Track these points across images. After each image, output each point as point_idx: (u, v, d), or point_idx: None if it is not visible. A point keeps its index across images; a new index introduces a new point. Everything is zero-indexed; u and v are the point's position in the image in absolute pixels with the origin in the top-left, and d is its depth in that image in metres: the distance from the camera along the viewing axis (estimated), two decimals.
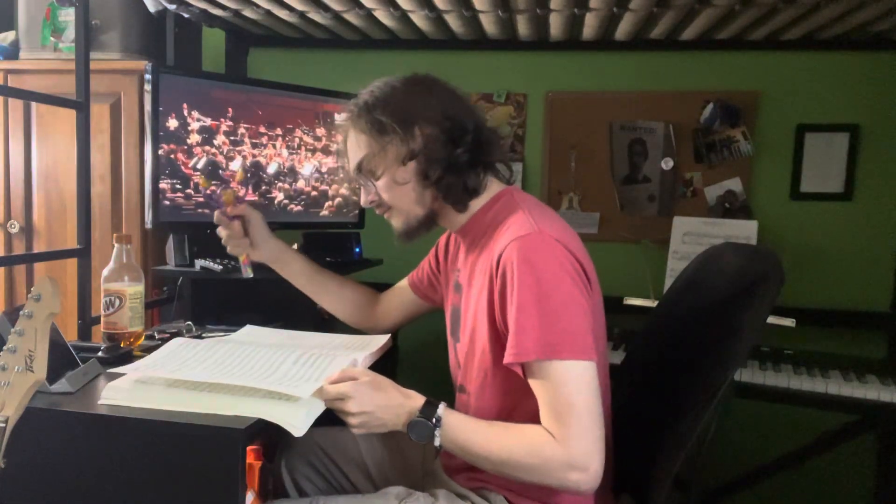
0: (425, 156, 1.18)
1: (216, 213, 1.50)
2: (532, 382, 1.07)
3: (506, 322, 1.09)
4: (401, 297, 1.55)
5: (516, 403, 1.13)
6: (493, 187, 1.25)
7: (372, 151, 1.21)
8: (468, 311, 1.22)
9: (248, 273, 1.53)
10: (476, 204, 1.24)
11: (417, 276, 1.52)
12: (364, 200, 1.28)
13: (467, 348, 1.22)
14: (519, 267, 1.07)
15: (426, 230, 1.27)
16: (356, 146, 1.24)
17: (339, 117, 1.29)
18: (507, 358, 1.07)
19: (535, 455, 1.05)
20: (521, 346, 1.05)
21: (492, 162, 1.24)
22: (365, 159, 1.23)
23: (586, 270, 1.13)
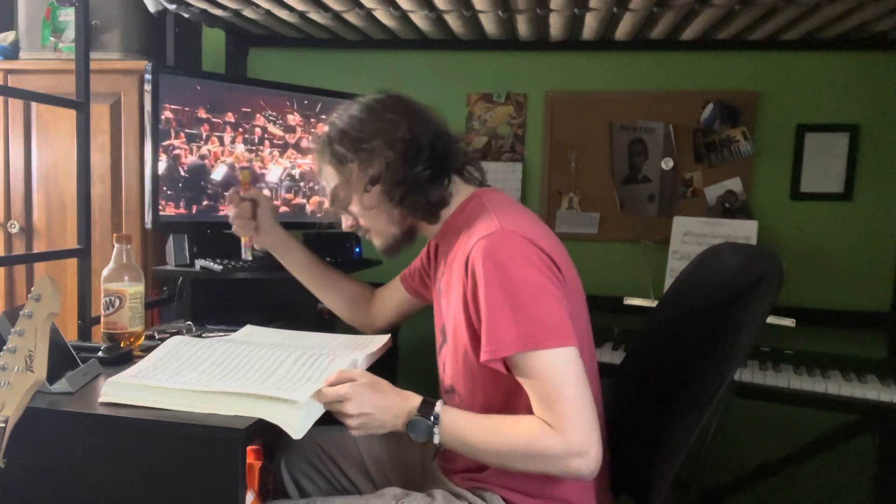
0: (386, 179, 1.21)
1: (231, 190, 1.54)
2: (518, 377, 1.08)
3: (480, 321, 1.10)
4: (394, 294, 1.56)
5: (508, 398, 1.13)
6: (463, 192, 1.28)
7: (339, 182, 1.26)
8: (449, 313, 1.24)
9: (247, 255, 1.57)
10: (447, 211, 1.26)
11: (409, 274, 1.53)
12: (345, 226, 1.33)
13: (452, 350, 1.23)
14: (485, 265, 1.08)
15: (408, 244, 1.31)
16: (326, 177, 1.30)
17: (311, 152, 1.32)
18: (484, 356, 1.08)
19: (534, 445, 1.05)
20: (497, 342, 1.07)
21: (457, 169, 1.27)
22: (335, 189, 1.28)
23: (556, 262, 1.13)
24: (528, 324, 1.05)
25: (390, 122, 1.21)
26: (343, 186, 1.26)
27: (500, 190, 1.31)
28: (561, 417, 1.03)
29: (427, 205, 1.23)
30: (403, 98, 1.27)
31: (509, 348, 1.06)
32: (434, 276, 1.39)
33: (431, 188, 1.22)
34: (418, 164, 1.20)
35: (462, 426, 1.11)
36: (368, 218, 1.27)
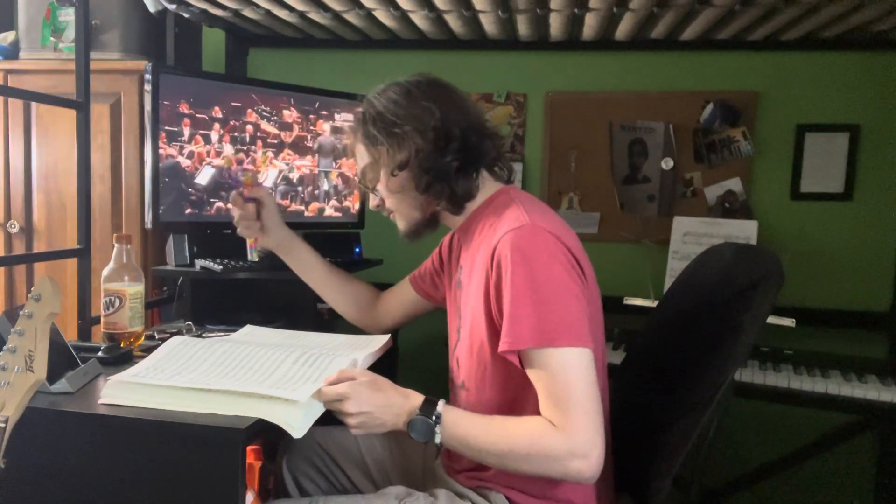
0: (414, 166, 1.22)
1: (233, 192, 1.53)
2: (529, 372, 1.08)
3: (501, 313, 1.11)
4: (402, 295, 1.56)
5: (517, 395, 1.14)
6: (490, 187, 1.28)
7: (369, 162, 1.27)
8: (468, 306, 1.24)
9: (252, 257, 1.55)
10: (473, 204, 1.27)
11: (419, 274, 1.53)
12: (371, 204, 1.34)
13: (468, 343, 1.23)
14: (512, 258, 1.09)
15: (430, 230, 1.32)
16: (359, 156, 1.31)
17: (347, 128, 1.32)
18: (502, 346, 1.08)
19: (537, 444, 1.05)
20: (516, 334, 1.07)
21: (486, 164, 1.27)
22: (364, 169, 1.29)
23: (580, 263, 1.14)
24: (548, 320, 1.05)
25: (425, 109, 1.21)
26: (372, 167, 1.27)
27: (522, 190, 1.32)
28: (567, 417, 1.03)
29: (452, 195, 1.23)
30: (444, 85, 1.27)
31: (526, 341, 1.06)
32: (452, 270, 1.39)
33: (458, 179, 1.22)
34: (447, 154, 1.20)
35: (464, 426, 1.11)
36: (394, 200, 1.28)
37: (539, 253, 1.09)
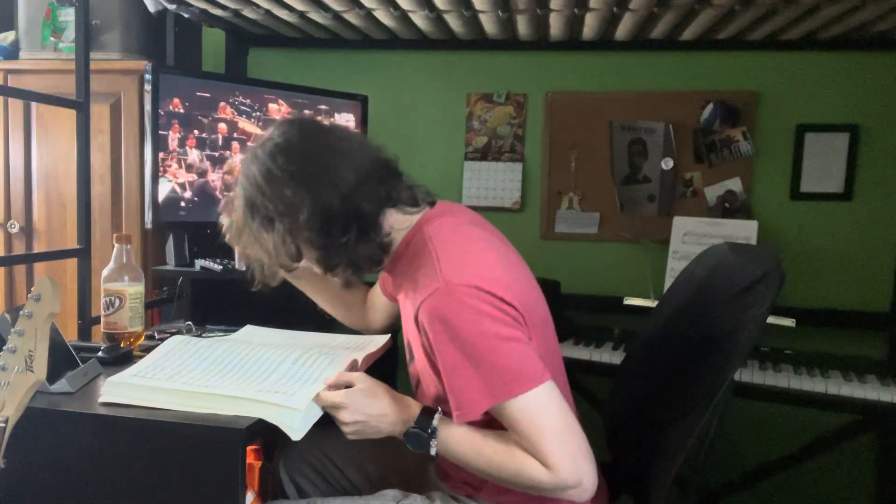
0: (307, 252, 1.13)
1: (223, 200, 1.50)
2: (498, 419, 1.06)
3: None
4: (379, 298, 1.54)
5: (490, 423, 1.10)
6: (401, 229, 1.18)
7: (265, 253, 1.15)
8: (410, 343, 1.20)
9: (241, 265, 1.56)
10: (389, 255, 1.19)
11: (382, 279, 1.49)
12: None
13: (423, 385, 1.20)
14: (433, 327, 1.05)
15: (368, 274, 1.22)
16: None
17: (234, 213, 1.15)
18: (456, 419, 1.06)
19: (526, 477, 1.04)
20: (467, 404, 1.04)
21: (388, 207, 1.15)
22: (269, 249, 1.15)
23: (510, 301, 1.06)
24: (494, 376, 1.02)
25: (290, 200, 1.08)
26: (276, 249, 1.12)
27: (444, 211, 1.21)
28: (548, 456, 1.02)
29: (359, 269, 1.15)
30: (305, 148, 1.11)
31: (481, 405, 1.04)
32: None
33: (358, 249, 1.11)
34: (335, 237, 1.09)
35: (458, 442, 1.10)
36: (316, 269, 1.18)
37: (460, 315, 1.03)
